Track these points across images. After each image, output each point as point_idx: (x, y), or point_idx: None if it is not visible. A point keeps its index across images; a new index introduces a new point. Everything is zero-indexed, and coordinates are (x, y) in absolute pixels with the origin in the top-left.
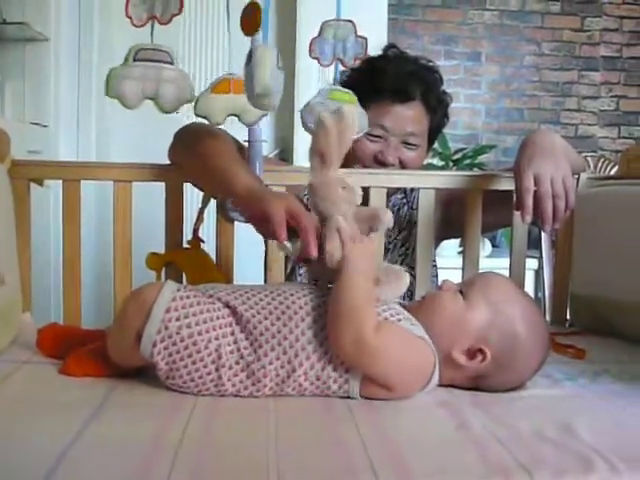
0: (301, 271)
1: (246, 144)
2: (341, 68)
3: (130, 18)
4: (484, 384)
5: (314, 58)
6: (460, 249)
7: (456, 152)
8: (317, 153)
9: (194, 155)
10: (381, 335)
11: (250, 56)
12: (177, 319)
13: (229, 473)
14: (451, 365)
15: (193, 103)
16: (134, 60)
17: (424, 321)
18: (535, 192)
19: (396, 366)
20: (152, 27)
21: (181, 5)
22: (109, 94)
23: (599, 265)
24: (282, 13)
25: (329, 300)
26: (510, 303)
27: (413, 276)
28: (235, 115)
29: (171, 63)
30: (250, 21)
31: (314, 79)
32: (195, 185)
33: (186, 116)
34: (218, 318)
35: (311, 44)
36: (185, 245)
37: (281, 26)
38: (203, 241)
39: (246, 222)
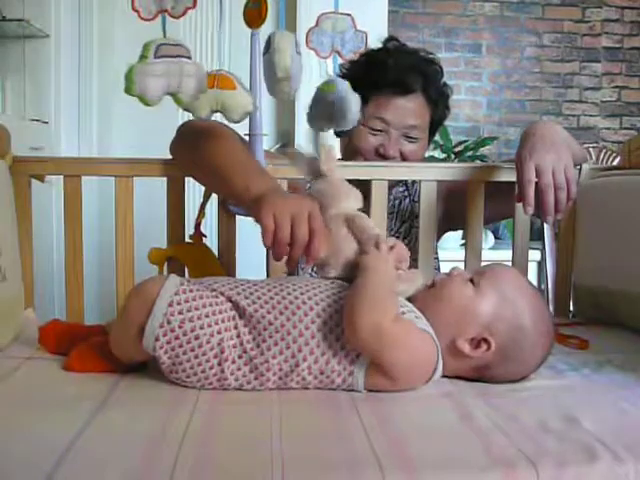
0: (302, 265)
1: (247, 137)
2: (339, 61)
3: (137, 12)
4: (488, 375)
5: (311, 49)
6: (462, 241)
7: (458, 144)
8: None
9: (199, 156)
10: (398, 326)
11: (268, 45)
12: (180, 313)
13: (233, 466)
14: (455, 354)
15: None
16: (154, 57)
17: (432, 308)
18: (537, 183)
19: (405, 358)
20: (164, 22)
21: (193, 5)
22: (132, 92)
23: (602, 256)
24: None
25: (353, 284)
26: (519, 296)
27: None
28: (219, 111)
29: (189, 57)
30: (255, 14)
31: (315, 72)
32: (196, 180)
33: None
34: (221, 312)
35: (308, 34)
36: (187, 240)
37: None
38: (205, 235)
39: (247, 216)
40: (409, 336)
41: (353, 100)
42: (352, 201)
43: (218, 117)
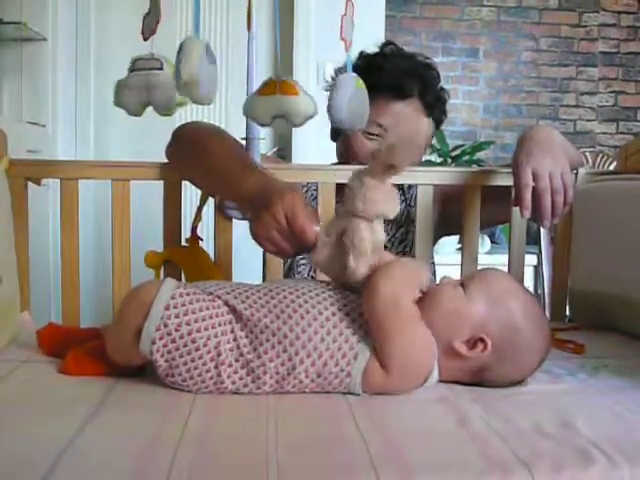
0: (299, 269)
1: (244, 142)
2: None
3: (142, 34)
4: (486, 377)
5: (343, 39)
6: (459, 246)
7: (454, 149)
8: (387, 164)
9: (193, 158)
10: (412, 310)
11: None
12: (177, 316)
13: (228, 470)
14: (453, 356)
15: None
16: (132, 70)
17: (425, 315)
18: (534, 188)
19: (404, 349)
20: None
21: (158, 18)
22: (115, 103)
23: (598, 260)
24: (280, 12)
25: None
26: (510, 296)
27: None
28: (281, 116)
29: (160, 69)
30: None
31: (312, 76)
32: (193, 183)
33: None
34: (217, 316)
35: (342, 22)
36: (184, 243)
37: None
38: (202, 239)
39: (244, 220)
40: (415, 323)
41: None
42: (374, 206)
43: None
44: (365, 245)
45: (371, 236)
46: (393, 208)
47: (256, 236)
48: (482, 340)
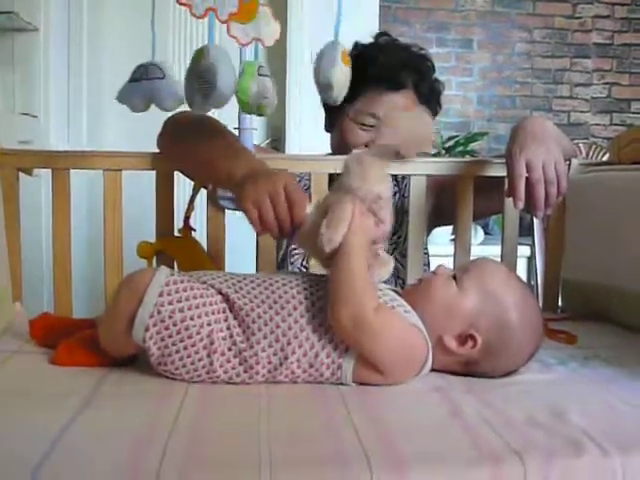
0: (292, 259)
1: (236, 132)
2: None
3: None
4: (476, 370)
5: (183, 4)
6: (452, 236)
7: (448, 140)
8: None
9: (184, 147)
10: (380, 315)
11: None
12: (170, 303)
13: (221, 460)
14: (442, 350)
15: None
16: None
17: (417, 306)
18: (527, 178)
19: (392, 349)
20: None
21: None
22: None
23: (591, 251)
24: (272, 5)
25: (328, 278)
26: (503, 290)
27: (402, 264)
28: None
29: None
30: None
31: (307, 69)
32: (184, 173)
33: None
34: (211, 304)
35: None
36: (176, 234)
37: None
38: (194, 229)
39: (236, 210)
40: (393, 326)
41: (224, 69)
42: (369, 185)
43: None
44: (346, 215)
45: (352, 212)
46: (386, 189)
47: (245, 197)
48: (472, 337)
